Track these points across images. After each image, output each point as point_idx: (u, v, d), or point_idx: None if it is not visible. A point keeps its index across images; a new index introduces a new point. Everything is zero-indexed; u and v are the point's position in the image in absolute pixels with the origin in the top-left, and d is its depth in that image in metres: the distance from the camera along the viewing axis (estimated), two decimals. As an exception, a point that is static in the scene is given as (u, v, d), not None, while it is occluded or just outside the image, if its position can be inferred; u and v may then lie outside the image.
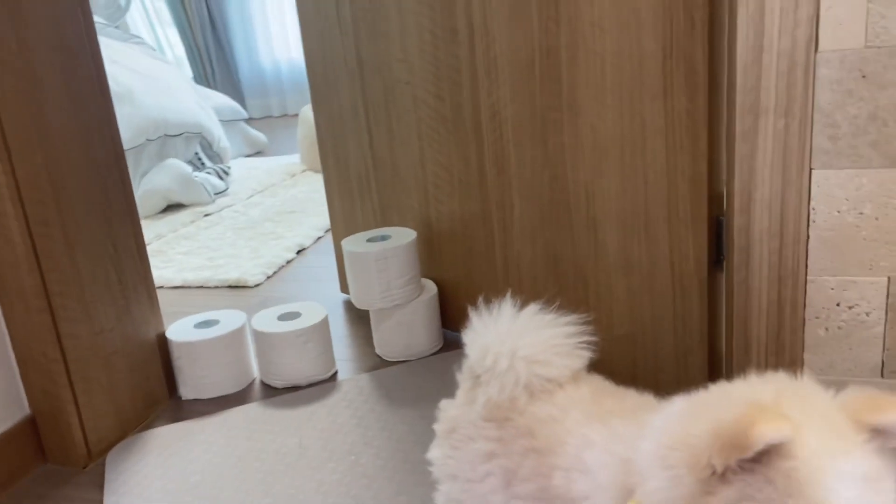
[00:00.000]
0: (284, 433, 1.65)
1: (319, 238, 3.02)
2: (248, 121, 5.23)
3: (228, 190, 3.86)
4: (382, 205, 2.14)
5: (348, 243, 1.92)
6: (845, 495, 0.60)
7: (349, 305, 2.29)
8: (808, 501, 0.60)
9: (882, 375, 1.09)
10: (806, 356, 1.11)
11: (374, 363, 1.95)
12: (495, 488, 0.93)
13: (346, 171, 2.21)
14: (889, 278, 1.05)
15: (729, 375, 1.39)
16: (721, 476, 0.65)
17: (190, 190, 3.61)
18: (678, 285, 1.49)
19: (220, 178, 3.92)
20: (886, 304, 1.06)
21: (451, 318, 2.02)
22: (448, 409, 1.02)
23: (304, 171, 4.17)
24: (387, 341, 1.96)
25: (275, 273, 2.69)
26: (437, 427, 1.03)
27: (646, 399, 0.90)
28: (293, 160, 4.37)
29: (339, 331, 2.14)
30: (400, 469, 1.48)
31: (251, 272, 2.65)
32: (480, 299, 0.95)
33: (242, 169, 4.29)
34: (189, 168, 3.70)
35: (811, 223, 1.06)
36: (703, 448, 0.66)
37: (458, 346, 2.00)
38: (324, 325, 1.88)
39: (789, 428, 0.61)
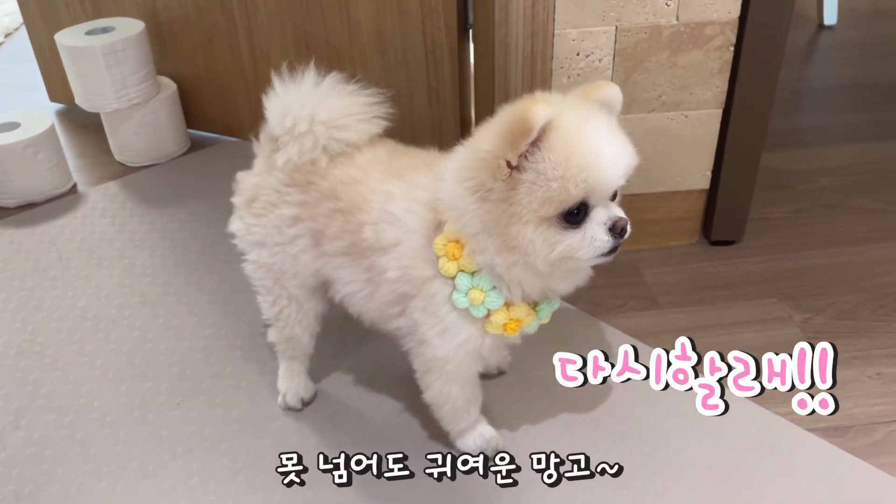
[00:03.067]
0: (37, 250, 1.50)
1: (-2, 46, 2.57)
2: None
3: None
4: (91, -6, 1.87)
5: (64, 37, 1.68)
6: (599, 140, 0.81)
7: (66, 115, 2.05)
8: (576, 150, 0.78)
9: (609, 112, 1.33)
10: (553, 102, 1.30)
11: (117, 171, 1.81)
12: (305, 248, 0.99)
13: (36, -45, 1.87)
14: (616, 27, 1.25)
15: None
16: (516, 169, 0.79)
17: None
18: (431, 57, 1.58)
19: None
20: (614, 50, 1.27)
21: (195, 117, 1.92)
22: (246, 179, 1.02)
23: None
24: (127, 147, 1.81)
25: (-48, 88, 2.26)
26: (235, 199, 1.03)
27: (433, 153, 1.00)
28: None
29: (64, 142, 1.91)
30: (182, 262, 1.46)
31: (-80, 89, 2.20)
32: (283, 66, 0.94)
33: None
34: None
35: (558, -20, 1.20)
36: (494, 151, 0.80)
37: (207, 145, 1.93)
38: (52, 133, 1.68)
39: (552, 107, 0.78)
